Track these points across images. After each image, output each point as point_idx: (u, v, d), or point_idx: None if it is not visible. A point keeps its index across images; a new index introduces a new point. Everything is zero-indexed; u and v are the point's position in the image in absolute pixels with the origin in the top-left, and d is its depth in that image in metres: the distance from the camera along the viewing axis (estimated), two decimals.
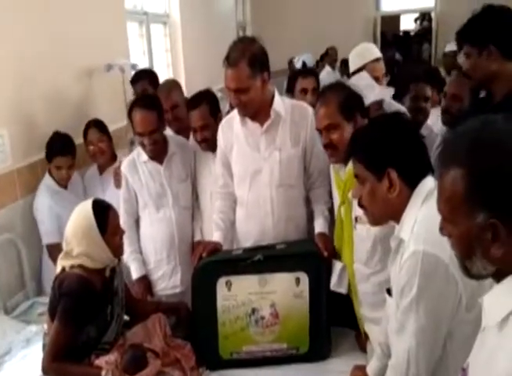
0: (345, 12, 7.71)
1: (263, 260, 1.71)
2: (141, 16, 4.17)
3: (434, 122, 2.50)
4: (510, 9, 1.68)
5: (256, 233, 1.89)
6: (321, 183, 1.91)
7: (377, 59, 2.63)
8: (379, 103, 2.00)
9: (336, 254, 1.73)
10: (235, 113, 1.88)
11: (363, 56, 2.61)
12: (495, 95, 1.72)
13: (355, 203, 1.43)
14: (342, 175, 1.65)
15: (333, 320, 1.80)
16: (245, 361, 1.77)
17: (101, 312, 1.62)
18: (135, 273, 2.16)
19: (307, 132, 1.85)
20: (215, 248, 1.81)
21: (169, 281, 2.19)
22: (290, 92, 2.79)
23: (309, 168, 1.90)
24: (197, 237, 2.21)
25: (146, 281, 2.17)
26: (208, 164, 2.16)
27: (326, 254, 1.71)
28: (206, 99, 2.12)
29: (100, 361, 1.55)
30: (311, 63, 4.22)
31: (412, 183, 1.21)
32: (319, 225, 1.83)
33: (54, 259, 2.17)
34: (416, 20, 9.96)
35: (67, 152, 2.41)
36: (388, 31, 8.98)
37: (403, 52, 7.64)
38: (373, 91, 1.90)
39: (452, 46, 5.04)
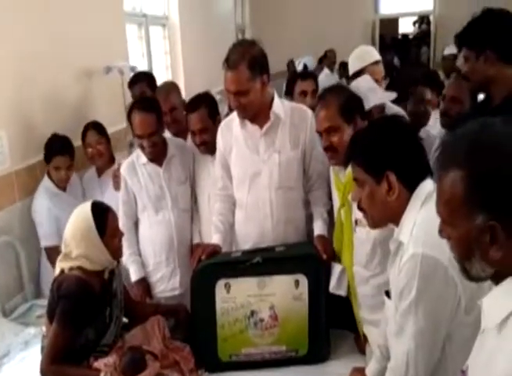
0: (344, 15, 7.73)
1: (262, 262, 1.71)
2: (140, 18, 4.18)
3: (433, 125, 2.50)
4: (509, 12, 1.68)
5: (255, 235, 1.89)
6: (320, 185, 1.91)
7: (377, 62, 2.64)
8: (381, 107, 2.01)
9: (335, 257, 1.73)
10: (234, 115, 1.88)
11: (363, 59, 2.62)
12: (493, 98, 1.73)
13: (354, 205, 1.43)
14: (342, 177, 1.65)
15: (332, 323, 1.80)
16: (244, 363, 1.77)
17: (100, 315, 1.62)
18: (133, 276, 2.16)
19: (306, 135, 1.85)
20: (214, 251, 1.81)
21: (168, 283, 2.19)
22: (289, 94, 2.79)
23: (308, 171, 1.91)
24: (196, 240, 2.21)
25: (144, 283, 2.17)
26: (207, 167, 2.16)
27: (325, 256, 1.71)
28: (205, 102, 2.12)
29: (99, 363, 1.55)
30: (312, 65, 4.24)
31: (411, 186, 1.22)
32: (318, 228, 1.83)
33: (52, 262, 2.16)
34: (414, 23, 9.99)
35: (66, 152, 2.41)
36: (387, 34, 9.01)
37: (402, 55, 7.66)
38: (376, 94, 1.91)
39: (451, 49, 5.06)
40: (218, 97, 3.32)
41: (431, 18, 8.33)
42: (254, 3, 7.74)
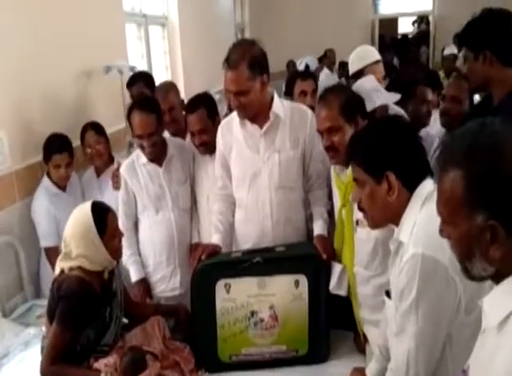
0: (343, 15, 7.74)
1: (262, 262, 1.71)
2: (139, 18, 4.18)
3: (432, 124, 2.51)
4: (509, 13, 1.68)
5: (255, 235, 1.89)
6: (320, 185, 1.91)
7: (377, 62, 2.64)
8: (385, 107, 2.01)
9: (335, 257, 1.73)
10: (234, 115, 1.88)
11: (363, 59, 2.62)
12: (493, 98, 1.73)
13: (356, 205, 1.44)
14: (343, 177, 1.65)
15: (333, 323, 1.80)
16: (244, 364, 1.77)
17: (100, 315, 1.62)
18: (134, 276, 2.16)
19: (306, 135, 1.85)
20: (214, 251, 1.81)
21: (168, 283, 2.19)
22: (288, 94, 2.79)
23: (308, 171, 1.91)
24: (195, 239, 2.21)
25: (145, 284, 2.17)
26: (206, 167, 2.16)
27: (325, 256, 1.71)
28: (204, 103, 2.11)
29: (99, 364, 1.55)
30: (314, 65, 4.24)
31: (411, 186, 1.22)
32: (318, 228, 1.83)
33: (52, 262, 2.17)
34: (413, 23, 10.00)
35: (65, 150, 2.40)
36: (386, 34, 9.02)
37: (401, 55, 7.66)
38: (380, 94, 1.91)
39: (451, 49, 5.07)
40: (217, 97, 3.32)
41: (430, 18, 8.34)
42: (254, 3, 7.75)
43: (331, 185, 1.80)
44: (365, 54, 2.71)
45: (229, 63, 1.72)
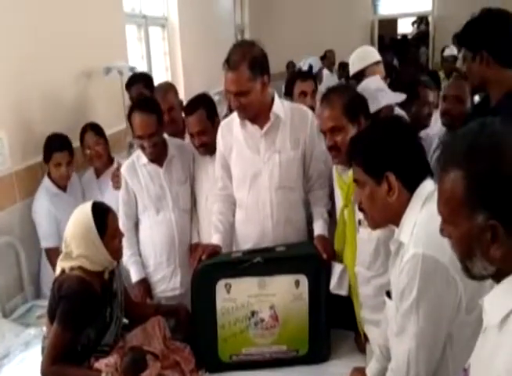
0: (343, 16, 7.75)
1: (262, 262, 1.71)
2: (139, 19, 4.18)
3: (432, 125, 2.51)
4: (507, 13, 1.68)
5: (255, 235, 1.89)
6: (320, 186, 1.91)
7: (377, 63, 2.64)
8: (390, 107, 2.01)
9: (335, 257, 1.74)
10: (234, 115, 1.88)
11: (364, 59, 2.63)
12: (491, 99, 1.73)
13: None
14: (345, 178, 1.65)
15: (333, 322, 1.80)
16: (244, 363, 1.77)
17: (100, 315, 1.62)
18: (134, 276, 2.16)
19: (306, 135, 1.85)
20: (215, 251, 1.81)
21: (169, 283, 2.20)
22: (288, 95, 2.79)
23: (308, 171, 1.91)
24: (194, 240, 2.22)
25: (145, 284, 2.17)
26: (205, 168, 2.16)
27: (325, 256, 1.71)
28: (203, 104, 2.11)
29: (100, 364, 1.55)
30: (317, 66, 4.22)
31: (411, 186, 1.22)
32: (319, 228, 1.84)
33: (52, 263, 2.17)
34: (413, 24, 10.01)
35: (65, 148, 2.41)
36: (386, 35, 9.02)
37: (400, 55, 7.67)
38: (385, 94, 1.91)
39: (450, 50, 5.09)
40: (216, 98, 3.33)
41: (430, 19, 8.35)
42: (254, 4, 7.76)
43: (333, 185, 1.80)
44: (365, 55, 2.72)
45: (230, 63, 1.72)
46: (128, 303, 1.80)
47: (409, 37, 9.84)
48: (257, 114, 1.81)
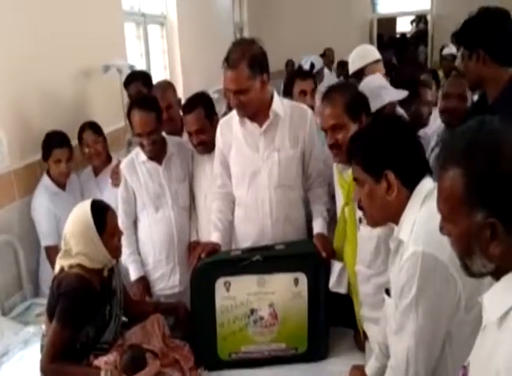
0: (342, 14, 7.75)
1: (262, 260, 1.71)
2: (138, 17, 4.17)
3: (430, 124, 2.52)
4: (505, 12, 1.68)
5: (255, 233, 1.90)
6: (319, 184, 1.92)
7: (377, 61, 2.64)
8: (393, 104, 2.01)
9: (334, 255, 1.74)
10: (234, 113, 1.88)
11: (364, 58, 2.63)
12: (488, 97, 1.74)
13: None
14: (346, 176, 1.65)
15: (332, 320, 1.80)
16: (244, 361, 1.78)
17: (99, 313, 1.62)
18: (133, 274, 2.16)
19: (306, 133, 1.86)
20: (214, 249, 1.81)
21: (168, 281, 2.20)
22: (287, 94, 2.78)
23: (308, 169, 1.91)
24: (193, 238, 2.22)
25: (144, 282, 2.17)
26: (204, 166, 2.16)
27: (324, 254, 1.71)
28: (201, 103, 2.11)
29: (99, 361, 1.55)
30: (319, 64, 4.21)
31: (410, 185, 1.22)
32: (318, 226, 1.84)
33: (52, 261, 2.16)
34: (412, 22, 10.00)
35: (64, 144, 2.41)
36: (384, 33, 9.02)
37: (399, 54, 7.67)
38: (388, 91, 1.91)
39: (450, 49, 5.09)
40: (215, 96, 3.32)
41: (429, 17, 8.35)
42: (252, 2, 7.75)
43: (333, 183, 1.80)
44: (365, 53, 2.72)
45: (229, 62, 1.72)
46: (127, 301, 1.80)
47: (408, 35, 9.84)
48: (256, 112, 1.81)
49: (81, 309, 1.54)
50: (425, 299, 1.12)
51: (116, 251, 1.69)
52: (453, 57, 4.97)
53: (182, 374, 1.63)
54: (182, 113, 2.23)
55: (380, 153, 1.23)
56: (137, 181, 2.14)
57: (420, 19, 9.50)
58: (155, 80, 2.95)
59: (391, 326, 1.25)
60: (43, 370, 1.55)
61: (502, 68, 1.65)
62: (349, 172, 1.59)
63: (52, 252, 2.25)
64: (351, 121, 1.58)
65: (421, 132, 2.24)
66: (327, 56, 6.60)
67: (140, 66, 3.88)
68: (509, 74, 1.67)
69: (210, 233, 1.94)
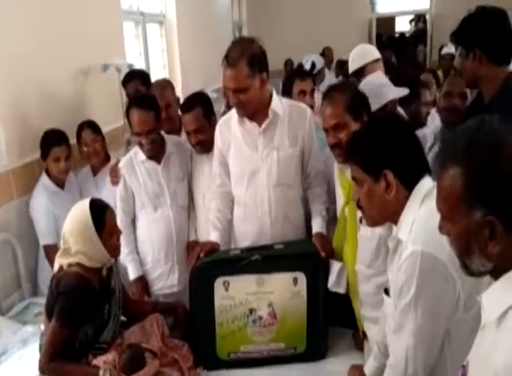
0: (341, 14, 7.74)
1: (261, 260, 1.71)
2: (137, 16, 4.17)
3: (429, 124, 2.51)
4: (502, 11, 1.69)
5: (254, 233, 1.89)
6: (318, 183, 1.92)
7: (377, 60, 2.64)
8: (395, 102, 2.01)
9: (333, 254, 1.74)
10: (233, 112, 1.88)
11: (364, 57, 2.63)
12: (484, 96, 1.74)
13: None
14: (347, 175, 1.65)
15: (331, 320, 1.80)
16: (242, 361, 1.78)
17: (98, 312, 1.62)
18: (132, 274, 2.16)
19: (305, 132, 1.85)
20: (213, 248, 1.81)
21: (166, 281, 2.20)
22: (286, 94, 2.78)
23: (307, 168, 1.91)
24: (192, 237, 2.22)
25: (143, 282, 2.17)
26: (202, 166, 2.16)
27: (323, 254, 1.71)
28: (199, 102, 2.11)
29: (98, 360, 1.55)
30: (320, 63, 4.19)
31: (409, 184, 1.22)
32: (317, 225, 1.84)
33: (51, 260, 2.16)
34: (411, 22, 10.01)
35: (63, 142, 2.40)
36: (384, 33, 9.02)
37: (398, 53, 7.68)
38: (390, 89, 1.92)
39: (449, 49, 5.09)
40: (214, 95, 3.32)
41: (428, 17, 8.35)
42: (251, 1, 7.74)
43: (333, 182, 1.80)
44: (365, 52, 2.72)
45: (229, 60, 1.72)
46: (125, 300, 1.80)
47: (407, 35, 9.84)
48: (255, 111, 1.80)
49: (79, 307, 1.54)
50: (424, 299, 1.12)
51: (115, 250, 1.69)
52: (452, 57, 4.96)
53: (181, 374, 1.63)
54: (180, 113, 2.23)
55: (379, 152, 1.23)
56: (136, 180, 2.14)
57: (419, 18, 9.50)
58: (154, 79, 2.94)
59: (390, 325, 1.25)
60: (42, 369, 1.55)
61: (498, 68, 1.66)
62: (350, 172, 1.59)
63: (51, 251, 2.25)
64: (352, 120, 1.58)
65: (420, 133, 2.24)
66: (326, 55, 6.60)
67: (139, 65, 3.88)
68: (505, 73, 1.67)
69: (208, 232, 1.93)
